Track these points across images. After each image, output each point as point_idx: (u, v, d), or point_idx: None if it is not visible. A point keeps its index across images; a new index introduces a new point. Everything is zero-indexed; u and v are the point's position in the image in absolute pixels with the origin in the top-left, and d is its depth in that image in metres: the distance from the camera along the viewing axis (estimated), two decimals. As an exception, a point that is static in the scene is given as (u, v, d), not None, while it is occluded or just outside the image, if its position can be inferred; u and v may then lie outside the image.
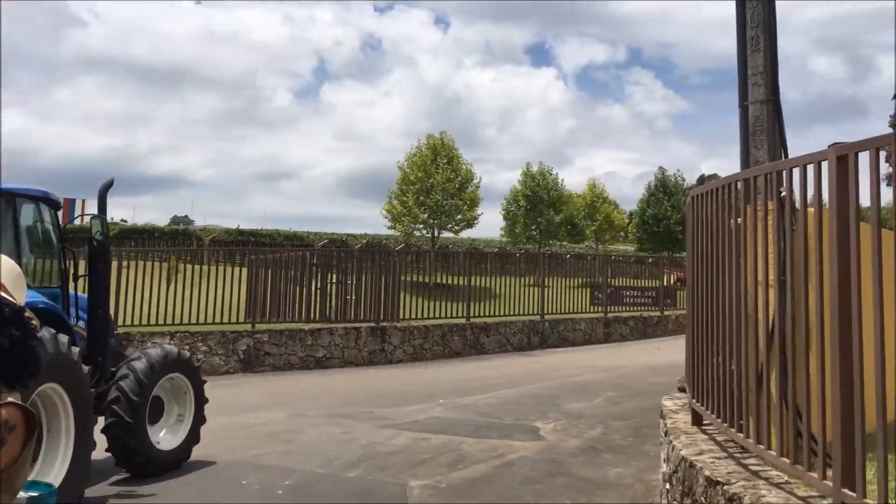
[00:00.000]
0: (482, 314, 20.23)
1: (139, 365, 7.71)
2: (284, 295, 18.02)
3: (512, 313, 20.99)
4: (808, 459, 3.80)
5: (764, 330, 4.64)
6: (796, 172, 3.96)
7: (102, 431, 7.43)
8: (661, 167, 64.12)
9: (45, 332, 6.14)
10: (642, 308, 24.91)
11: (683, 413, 6.54)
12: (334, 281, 18.41)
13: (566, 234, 48.07)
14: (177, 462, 8.00)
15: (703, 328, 5.72)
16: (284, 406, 12.05)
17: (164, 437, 8.10)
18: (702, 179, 5.59)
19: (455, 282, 20.48)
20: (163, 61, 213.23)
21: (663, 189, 56.70)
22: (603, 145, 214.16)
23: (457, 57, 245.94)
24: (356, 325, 17.93)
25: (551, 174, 48.30)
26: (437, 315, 19.43)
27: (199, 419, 8.46)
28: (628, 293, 25.87)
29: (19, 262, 6.68)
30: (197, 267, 18.97)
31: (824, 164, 3.66)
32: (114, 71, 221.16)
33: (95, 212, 7.93)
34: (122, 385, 7.51)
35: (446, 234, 43.37)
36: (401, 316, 18.85)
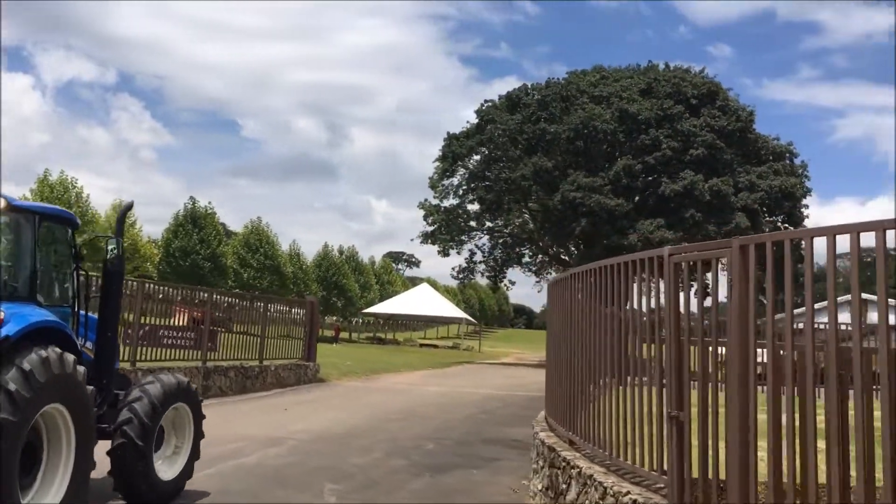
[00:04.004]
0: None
1: (153, 389, 7.70)
2: None
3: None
4: None
5: None
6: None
7: (108, 453, 7.33)
8: (192, 196, 59.75)
9: (52, 352, 6.12)
10: (184, 351, 20.22)
11: None
12: None
13: (89, 257, 40.58)
14: (174, 493, 7.96)
15: None
16: None
17: (160, 467, 7.90)
18: None
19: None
20: None
21: (192, 221, 52.32)
22: (80, 167, 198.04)
23: None
24: None
25: (75, 186, 40.79)
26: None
27: (195, 453, 8.42)
28: (166, 333, 21.36)
29: (35, 280, 6.99)
30: None
31: None
32: None
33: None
34: (136, 407, 7.47)
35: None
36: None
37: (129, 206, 8.70)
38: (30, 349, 5.96)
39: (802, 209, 39.98)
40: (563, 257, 45.31)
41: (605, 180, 36.56)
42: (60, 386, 6.11)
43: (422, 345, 67.40)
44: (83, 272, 7.85)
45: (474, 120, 42.25)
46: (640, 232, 35.33)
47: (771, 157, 39.31)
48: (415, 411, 17.30)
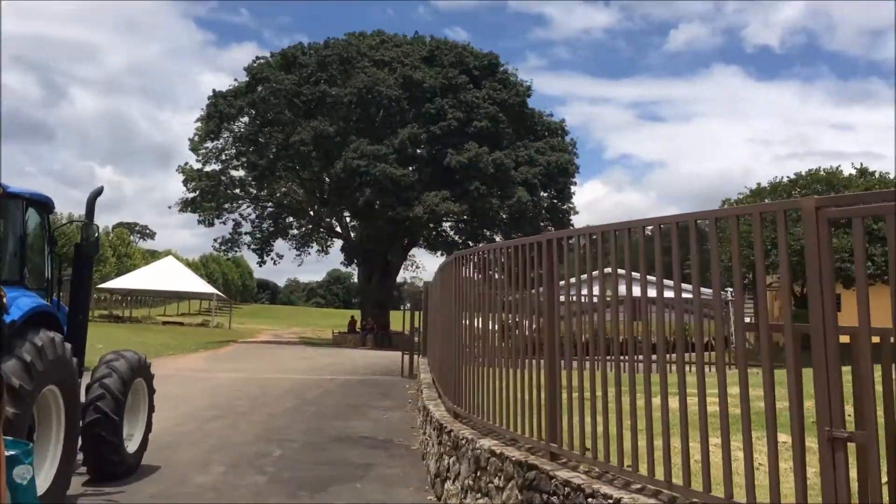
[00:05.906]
0: None
1: (120, 365, 8.01)
2: None
3: None
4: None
5: None
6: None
7: (82, 429, 7.39)
8: None
9: (46, 336, 6.25)
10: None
11: None
12: None
13: None
14: (136, 465, 8.31)
15: None
16: None
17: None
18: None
19: None
20: None
21: None
22: None
23: None
24: None
25: None
26: None
27: (149, 426, 8.78)
28: None
29: (24, 265, 7.15)
30: None
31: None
32: None
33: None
34: (107, 383, 7.75)
35: None
36: None
37: (100, 192, 8.30)
38: (29, 333, 6.09)
39: (572, 185, 41.07)
40: (336, 229, 43.11)
41: (391, 149, 34.84)
42: (57, 369, 6.31)
43: (164, 322, 61.72)
44: (57, 255, 8.02)
45: (224, 82, 38.69)
46: (425, 203, 34.10)
47: (546, 133, 39.89)
48: (227, 405, 14.54)
